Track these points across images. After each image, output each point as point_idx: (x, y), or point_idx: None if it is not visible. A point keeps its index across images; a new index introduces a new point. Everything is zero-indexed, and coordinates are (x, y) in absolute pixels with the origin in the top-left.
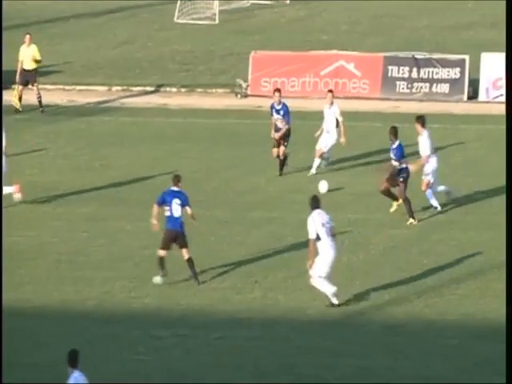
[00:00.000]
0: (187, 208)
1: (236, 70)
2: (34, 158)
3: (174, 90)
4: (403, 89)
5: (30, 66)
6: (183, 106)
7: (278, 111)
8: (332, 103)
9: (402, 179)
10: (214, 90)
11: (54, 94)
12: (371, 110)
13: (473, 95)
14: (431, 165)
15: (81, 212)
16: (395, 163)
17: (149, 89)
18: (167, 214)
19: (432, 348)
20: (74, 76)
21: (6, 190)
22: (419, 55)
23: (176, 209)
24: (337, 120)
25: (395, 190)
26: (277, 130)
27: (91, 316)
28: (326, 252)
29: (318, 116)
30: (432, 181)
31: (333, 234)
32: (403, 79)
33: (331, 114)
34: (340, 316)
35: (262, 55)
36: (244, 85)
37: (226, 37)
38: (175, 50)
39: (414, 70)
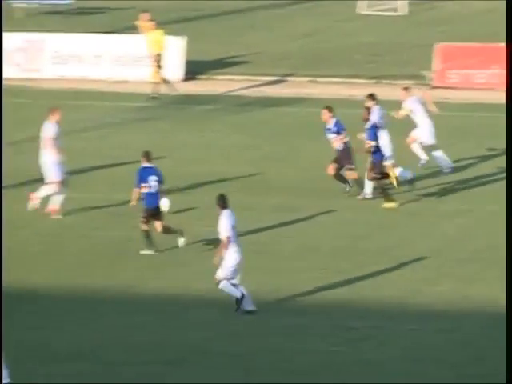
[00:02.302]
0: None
1: (421, 61)
2: (221, 149)
3: (361, 81)
4: None
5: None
6: None
7: (328, 129)
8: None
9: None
10: (400, 82)
11: (241, 85)
12: None
13: None
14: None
15: (270, 202)
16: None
17: (335, 80)
18: (145, 190)
19: None
20: (261, 67)
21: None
22: None
23: (154, 185)
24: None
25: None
26: (336, 152)
27: (282, 307)
28: (232, 255)
29: (504, 108)
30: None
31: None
32: None
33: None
34: None
35: (448, 46)
36: (429, 76)
37: (410, 28)
38: (360, 41)
39: None
